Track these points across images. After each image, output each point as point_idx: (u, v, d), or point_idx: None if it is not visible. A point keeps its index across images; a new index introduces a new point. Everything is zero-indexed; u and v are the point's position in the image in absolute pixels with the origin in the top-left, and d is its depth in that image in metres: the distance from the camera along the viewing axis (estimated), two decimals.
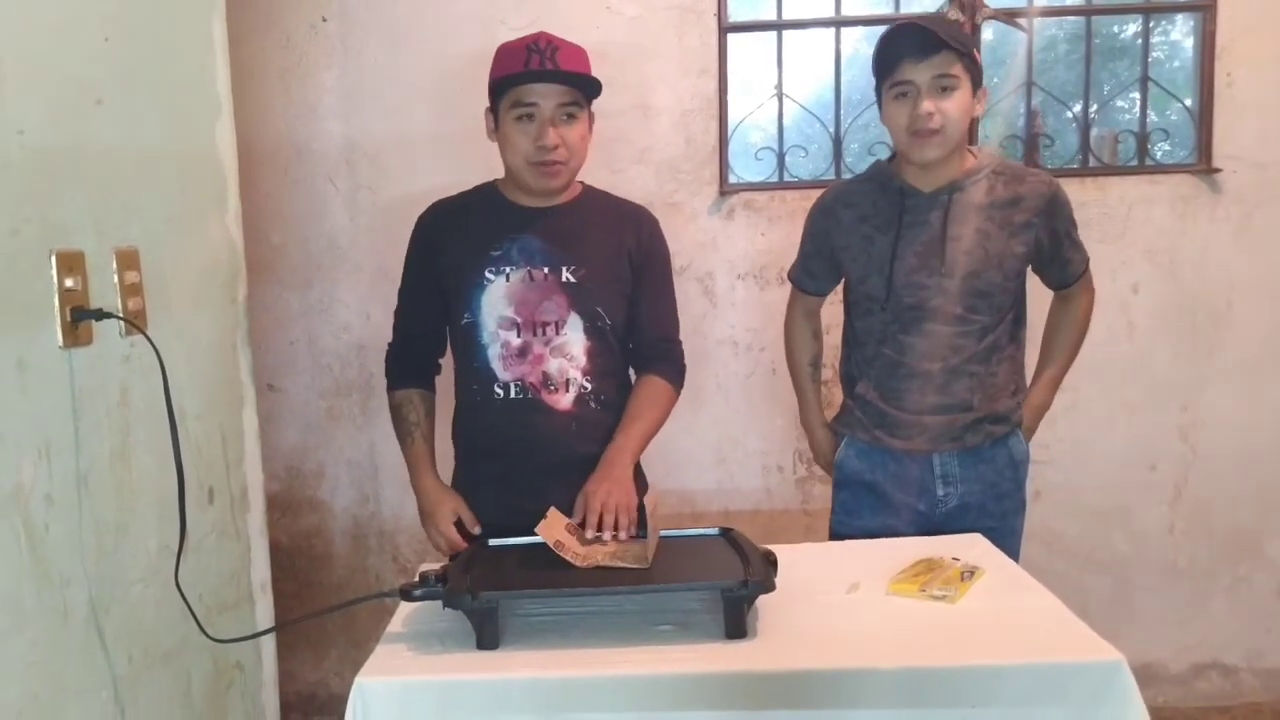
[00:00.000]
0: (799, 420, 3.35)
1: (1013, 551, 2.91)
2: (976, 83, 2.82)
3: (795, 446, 4.09)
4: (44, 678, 1.83)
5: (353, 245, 4.23)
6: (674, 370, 2.94)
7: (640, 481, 2.86)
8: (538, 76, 2.65)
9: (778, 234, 4.12)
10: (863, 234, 2.96)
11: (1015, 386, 3.02)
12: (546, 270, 2.77)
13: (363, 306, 4.22)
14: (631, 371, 2.96)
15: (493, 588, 2.17)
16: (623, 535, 2.52)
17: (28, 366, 1.80)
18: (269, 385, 4.28)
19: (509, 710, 2.02)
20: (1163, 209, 4.17)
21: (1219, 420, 4.29)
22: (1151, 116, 4.25)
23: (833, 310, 3.23)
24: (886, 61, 2.82)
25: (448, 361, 2.98)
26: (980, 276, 2.86)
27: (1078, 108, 4.27)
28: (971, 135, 4.06)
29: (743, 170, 4.29)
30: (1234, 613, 4.40)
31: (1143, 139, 4.23)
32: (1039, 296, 3.12)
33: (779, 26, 4.20)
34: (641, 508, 2.62)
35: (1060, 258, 3.01)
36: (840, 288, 3.18)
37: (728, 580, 2.15)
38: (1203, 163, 4.18)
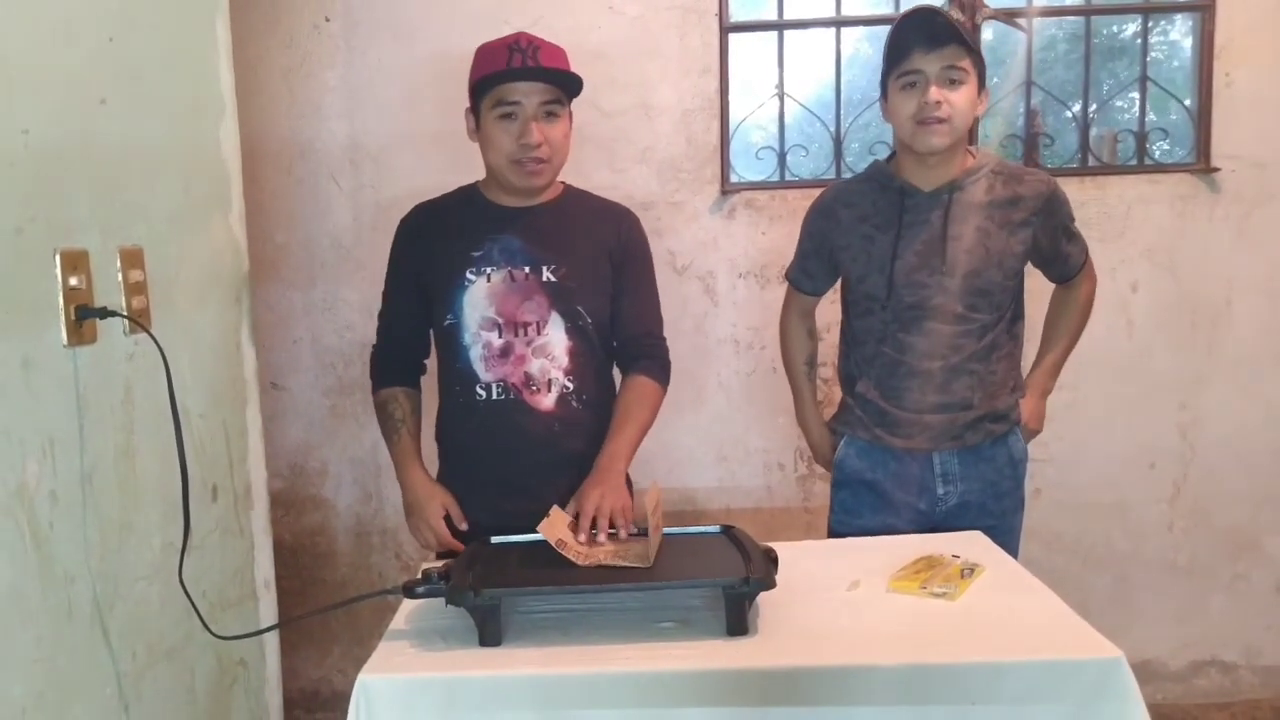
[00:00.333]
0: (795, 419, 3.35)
1: (1012, 549, 2.91)
2: (981, 81, 2.82)
3: (796, 445, 4.09)
4: (48, 675, 1.83)
5: (356, 244, 4.23)
6: (660, 368, 2.93)
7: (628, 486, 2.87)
8: (521, 75, 2.65)
9: (779, 233, 4.12)
10: (863, 233, 2.95)
11: (1014, 383, 3.02)
12: (527, 270, 2.77)
13: (366, 305, 4.21)
14: (616, 370, 2.96)
15: (495, 585, 2.16)
16: (622, 534, 2.52)
17: (32, 365, 1.80)
18: (272, 383, 4.28)
19: (512, 707, 2.02)
20: (1162, 208, 4.17)
21: (1218, 418, 4.29)
22: (1150, 116, 4.25)
23: (832, 309, 3.23)
24: (897, 51, 2.81)
25: (432, 363, 2.98)
26: (981, 275, 2.86)
27: (1077, 107, 4.27)
28: (971, 135, 4.06)
29: (744, 169, 4.29)
30: (1233, 610, 4.40)
31: (1142, 138, 4.23)
32: (1036, 294, 3.12)
33: (780, 26, 4.20)
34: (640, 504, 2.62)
35: (1060, 254, 3.01)
36: (836, 287, 3.17)
37: (729, 577, 2.15)
38: (1201, 162, 4.18)
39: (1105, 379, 4.22)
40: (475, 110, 2.75)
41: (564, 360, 2.79)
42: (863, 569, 2.47)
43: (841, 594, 2.36)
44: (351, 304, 4.27)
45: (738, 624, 2.12)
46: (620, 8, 4.10)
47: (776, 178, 4.27)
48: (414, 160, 4.13)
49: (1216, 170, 4.14)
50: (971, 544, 2.68)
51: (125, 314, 2.04)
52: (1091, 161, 4.26)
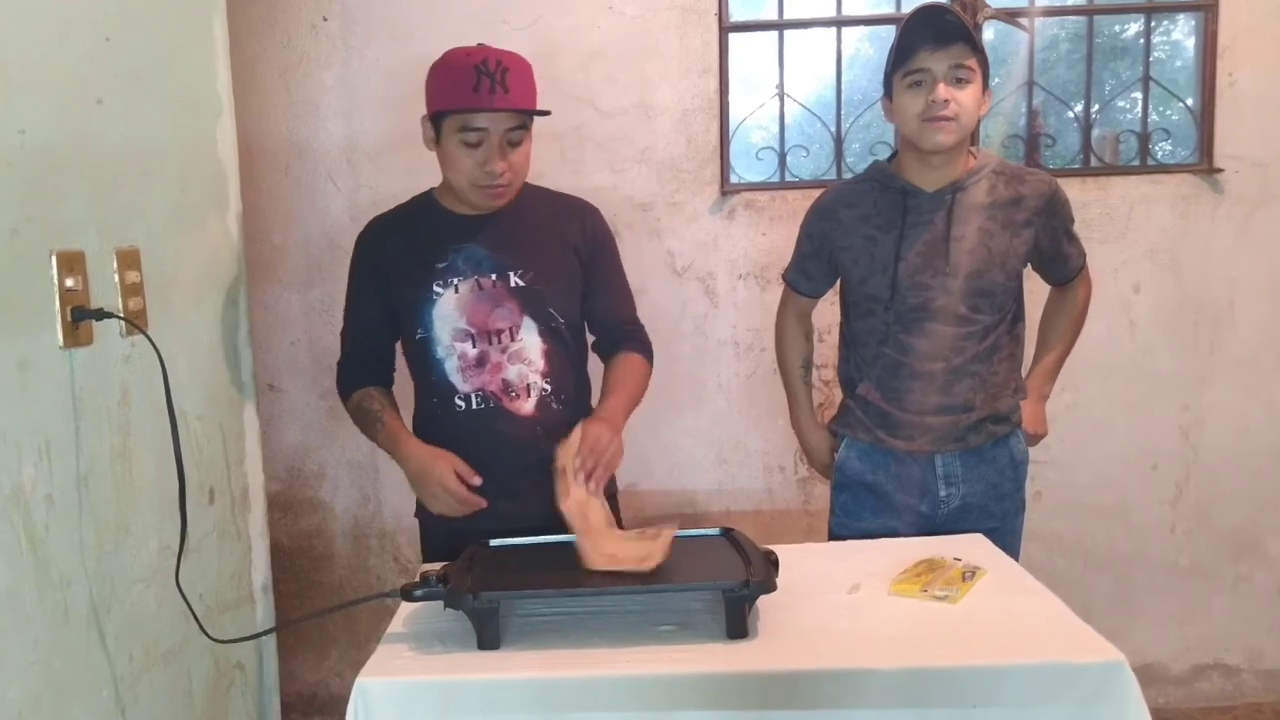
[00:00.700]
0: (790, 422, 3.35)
1: (1013, 552, 2.91)
2: (985, 80, 2.82)
3: (797, 447, 4.07)
4: (45, 678, 1.83)
5: (353, 245, 4.22)
6: (644, 348, 2.96)
7: (610, 484, 2.88)
8: (490, 107, 2.61)
9: (779, 234, 4.12)
10: (865, 234, 2.95)
11: (1015, 385, 3.02)
12: (494, 277, 2.76)
13: None
14: (594, 359, 2.98)
15: (494, 588, 2.16)
16: (593, 486, 2.53)
17: (28, 366, 1.80)
18: (270, 385, 4.28)
19: (510, 710, 2.02)
20: (1164, 209, 4.17)
21: (1220, 419, 4.29)
22: (1153, 116, 4.25)
23: (832, 311, 3.23)
24: (904, 49, 2.81)
25: (404, 377, 2.97)
26: (983, 276, 2.86)
27: (1079, 107, 4.27)
28: (973, 136, 4.06)
29: (744, 170, 4.29)
30: (1235, 613, 4.40)
31: (1144, 139, 4.23)
32: (1036, 294, 3.12)
33: (780, 26, 4.20)
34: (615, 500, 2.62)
35: (1060, 255, 3.02)
36: (835, 289, 3.17)
37: (729, 580, 2.15)
38: (1204, 162, 4.18)
39: (1107, 380, 4.22)
40: (435, 123, 2.72)
41: (540, 364, 2.80)
42: (864, 572, 2.48)
43: (842, 597, 2.36)
44: None
45: (738, 627, 2.12)
46: (619, 7, 4.10)
47: (777, 178, 4.27)
48: (412, 161, 4.08)
49: (1219, 171, 4.14)
50: (973, 546, 2.68)
51: (122, 315, 2.04)
52: (1093, 162, 4.26)
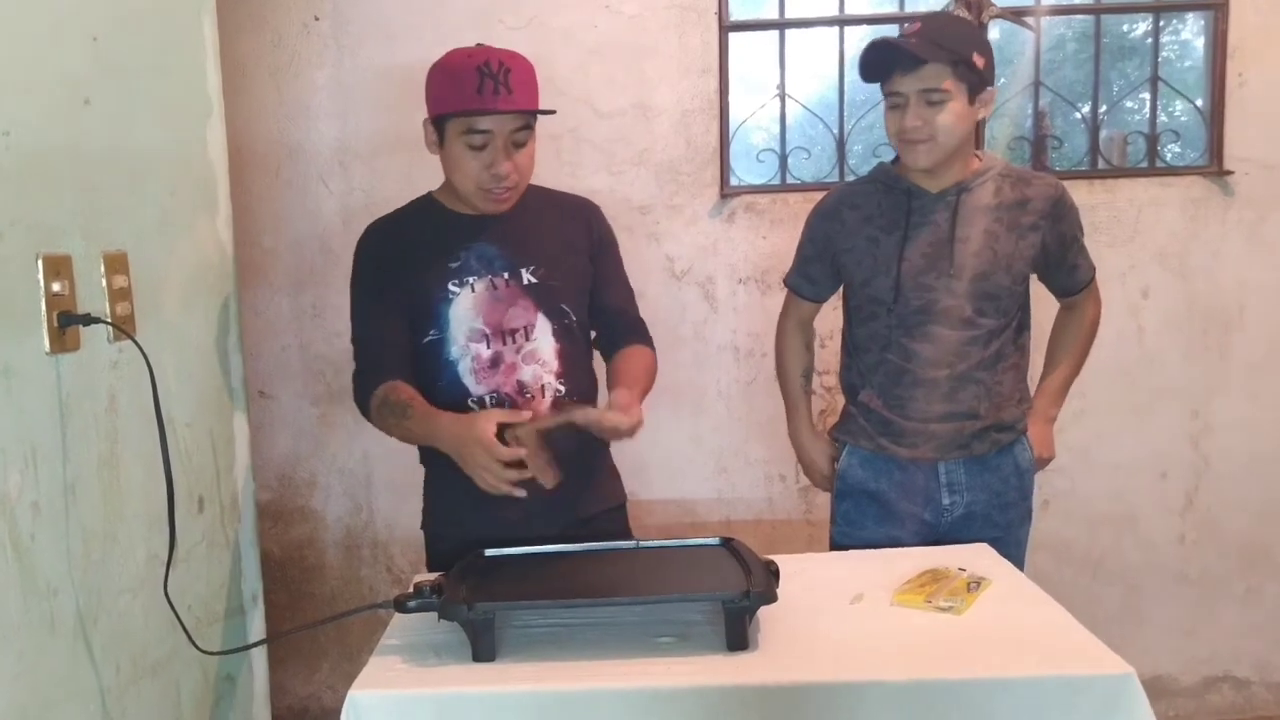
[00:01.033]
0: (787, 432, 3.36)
1: (1018, 562, 2.91)
2: (978, 87, 2.81)
3: None
4: (30, 689, 1.83)
5: (346, 249, 4.15)
6: (650, 342, 2.98)
7: (617, 485, 2.93)
8: (495, 110, 2.61)
9: (780, 237, 4.12)
10: (868, 235, 2.96)
11: (1020, 396, 3.02)
12: (506, 275, 2.75)
13: None
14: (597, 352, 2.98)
15: (489, 598, 2.16)
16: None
17: (14, 372, 1.80)
18: (260, 392, 4.28)
19: None
20: (1173, 212, 4.18)
21: (1231, 427, 4.29)
22: (1162, 117, 4.26)
23: (834, 317, 3.23)
24: (876, 71, 2.85)
25: None
26: (988, 278, 2.86)
27: (1086, 108, 4.28)
28: (978, 138, 4.07)
29: (744, 172, 4.30)
30: (1246, 624, 4.40)
31: (1153, 140, 4.24)
32: (1043, 307, 3.13)
33: (781, 25, 4.20)
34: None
35: (1066, 263, 3.02)
36: (838, 296, 3.18)
37: (729, 591, 2.15)
38: (1214, 164, 4.18)
39: (1115, 386, 4.22)
40: (438, 125, 2.71)
41: (554, 364, 2.79)
42: (866, 582, 2.48)
43: (844, 608, 2.36)
44: (341, 310, 4.20)
45: (738, 639, 2.12)
46: (617, 6, 4.11)
47: (778, 181, 4.27)
48: (405, 163, 4.12)
49: (1229, 173, 4.14)
50: (978, 556, 2.68)
51: (109, 321, 2.05)
52: (1101, 164, 4.26)
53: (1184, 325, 4.24)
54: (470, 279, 2.74)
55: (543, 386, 2.77)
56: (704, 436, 4.31)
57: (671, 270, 4.21)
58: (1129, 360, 4.23)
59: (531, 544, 2.55)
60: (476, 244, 2.76)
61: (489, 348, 2.74)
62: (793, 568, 2.38)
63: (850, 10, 4.23)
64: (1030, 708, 2.00)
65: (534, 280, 2.76)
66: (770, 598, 2.16)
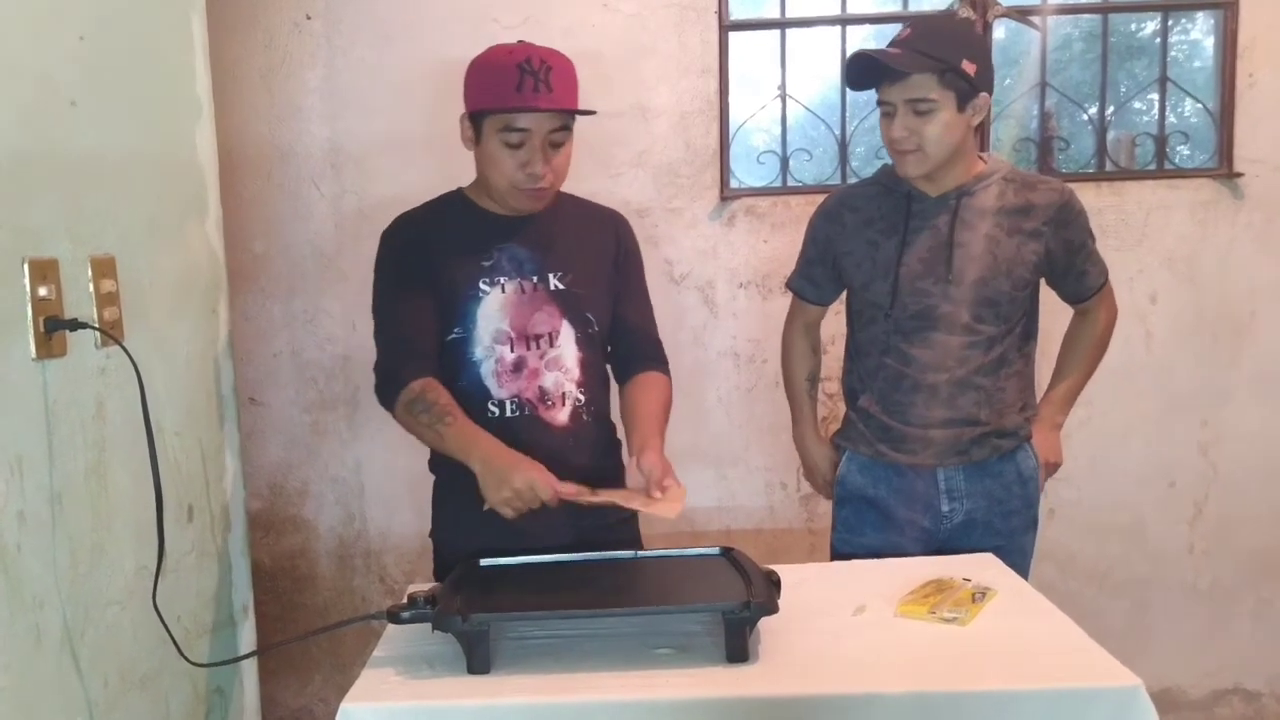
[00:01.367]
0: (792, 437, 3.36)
1: (1022, 571, 2.91)
2: (969, 94, 2.81)
3: (799, 463, 4.10)
4: (16, 704, 1.83)
5: (338, 253, 4.23)
6: (667, 367, 2.96)
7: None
8: (535, 108, 2.61)
9: (781, 241, 4.12)
10: (867, 239, 2.97)
11: (1024, 403, 3.03)
12: (535, 279, 2.75)
13: (348, 317, 4.22)
14: (610, 371, 2.97)
15: (484, 609, 2.16)
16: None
17: None
18: (251, 399, 4.28)
19: None
20: (1182, 215, 4.18)
21: (1241, 435, 4.29)
22: (1170, 118, 4.26)
23: (837, 321, 3.23)
24: (863, 80, 2.88)
25: None
26: (988, 284, 2.87)
27: (1093, 109, 4.28)
28: (983, 140, 4.07)
29: (744, 175, 4.30)
30: (1256, 636, 4.40)
31: (1161, 142, 4.24)
32: (1055, 317, 3.13)
33: (782, 24, 4.21)
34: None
35: (1074, 270, 3.02)
36: (842, 300, 3.18)
37: (729, 601, 2.15)
38: (1224, 166, 4.19)
39: (1123, 394, 4.22)
40: (474, 122, 2.70)
41: (576, 372, 2.79)
42: (869, 593, 2.48)
43: (847, 619, 2.36)
44: (333, 315, 4.27)
45: (738, 650, 2.12)
46: (615, 5, 4.11)
47: (779, 183, 4.28)
48: (399, 165, 4.12)
49: (1239, 175, 4.15)
50: (983, 566, 2.68)
51: (97, 326, 2.04)
52: (1108, 166, 4.27)
53: (1193, 331, 4.24)
54: (501, 279, 2.74)
55: (563, 394, 2.77)
56: (703, 444, 4.31)
57: (670, 274, 4.21)
58: (1137, 367, 4.23)
59: (532, 553, 2.55)
60: (509, 245, 2.76)
61: (513, 351, 2.73)
62: (794, 578, 2.38)
63: (852, 9, 4.23)
64: None
65: (561, 286, 2.76)
66: (771, 608, 2.16)
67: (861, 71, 2.84)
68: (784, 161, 4.26)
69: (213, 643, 2.55)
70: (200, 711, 2.50)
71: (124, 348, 2.08)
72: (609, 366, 2.96)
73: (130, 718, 2.19)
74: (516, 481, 2.46)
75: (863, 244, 2.98)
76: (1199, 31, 4.40)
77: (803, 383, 3.27)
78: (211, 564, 2.58)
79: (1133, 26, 4.48)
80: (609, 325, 2.88)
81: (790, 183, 4.27)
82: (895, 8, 4.31)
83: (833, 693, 2.02)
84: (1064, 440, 3.21)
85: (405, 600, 2.25)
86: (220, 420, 2.64)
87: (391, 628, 2.32)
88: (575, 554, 2.56)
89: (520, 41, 2.67)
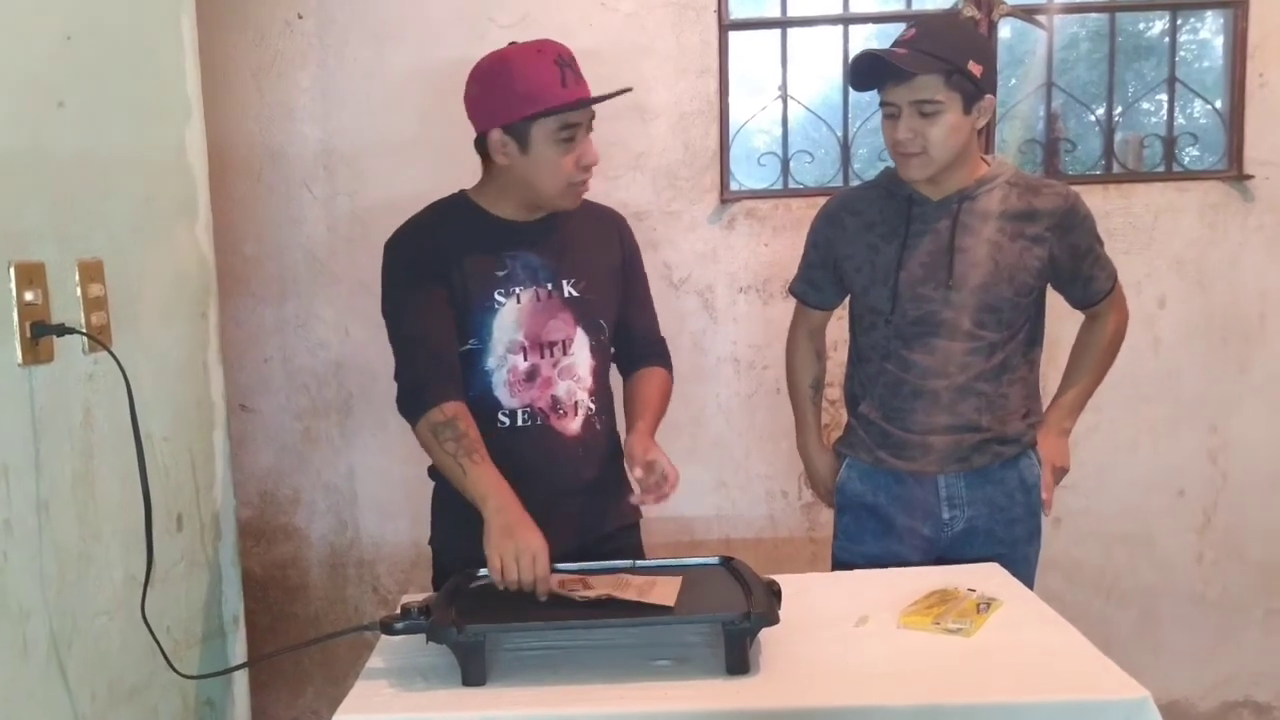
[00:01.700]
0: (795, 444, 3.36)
1: (1027, 581, 2.90)
2: (975, 96, 2.81)
3: (800, 471, 4.09)
4: (2, 716, 1.83)
5: (331, 256, 4.23)
6: (670, 364, 2.98)
7: (633, 513, 2.91)
8: (590, 101, 2.62)
9: (782, 245, 4.12)
10: (868, 243, 2.97)
11: (1027, 410, 3.02)
12: (550, 287, 2.74)
13: (341, 322, 4.22)
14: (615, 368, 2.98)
15: (480, 620, 2.17)
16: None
17: None
18: (241, 405, 4.27)
19: None
20: (1191, 218, 4.18)
21: (1251, 442, 4.29)
22: (1179, 119, 4.26)
23: (838, 327, 3.23)
24: (868, 80, 2.87)
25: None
26: (989, 290, 2.87)
27: (1101, 110, 4.28)
28: (987, 142, 4.07)
29: (745, 177, 4.30)
30: (1267, 647, 4.39)
31: (1170, 143, 4.24)
32: (1065, 321, 3.13)
33: (783, 24, 4.21)
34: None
35: (1081, 275, 3.01)
36: (844, 305, 3.18)
37: (729, 612, 2.16)
38: (1234, 168, 4.19)
39: (1130, 400, 4.22)
40: (516, 132, 2.62)
41: (588, 380, 2.79)
42: (872, 603, 2.48)
43: (849, 630, 2.36)
44: (326, 320, 4.26)
45: (738, 662, 2.12)
46: (613, 4, 4.11)
47: (779, 185, 4.28)
48: (393, 167, 4.12)
49: (1249, 177, 4.15)
50: (988, 576, 2.68)
51: (84, 331, 2.05)
52: (1116, 168, 4.27)
53: (1202, 336, 4.24)
54: (517, 289, 2.71)
55: (576, 403, 2.78)
56: (703, 452, 4.30)
57: (669, 279, 4.20)
58: (1144, 372, 4.22)
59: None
60: (521, 252, 2.74)
61: (526, 360, 2.72)
62: (795, 588, 2.39)
63: (855, 8, 4.23)
64: None
65: (575, 294, 2.76)
66: (772, 619, 2.16)
67: (866, 71, 2.84)
68: (785, 163, 4.26)
69: (203, 654, 2.55)
70: None
71: (112, 353, 2.09)
72: (613, 365, 2.97)
73: None
74: (524, 542, 2.39)
75: (863, 248, 2.98)
76: (1208, 31, 4.40)
77: (806, 389, 3.27)
78: (201, 573, 2.57)
79: (1141, 26, 4.48)
80: (614, 330, 2.88)
81: (791, 185, 4.26)
82: (898, 7, 4.32)
83: (835, 705, 2.02)
84: (1070, 447, 3.21)
85: (399, 611, 2.25)
86: (210, 427, 2.64)
87: (385, 639, 2.32)
88: (573, 563, 2.56)
89: (512, 43, 2.65)
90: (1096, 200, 3.24)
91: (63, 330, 1.96)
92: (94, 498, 2.11)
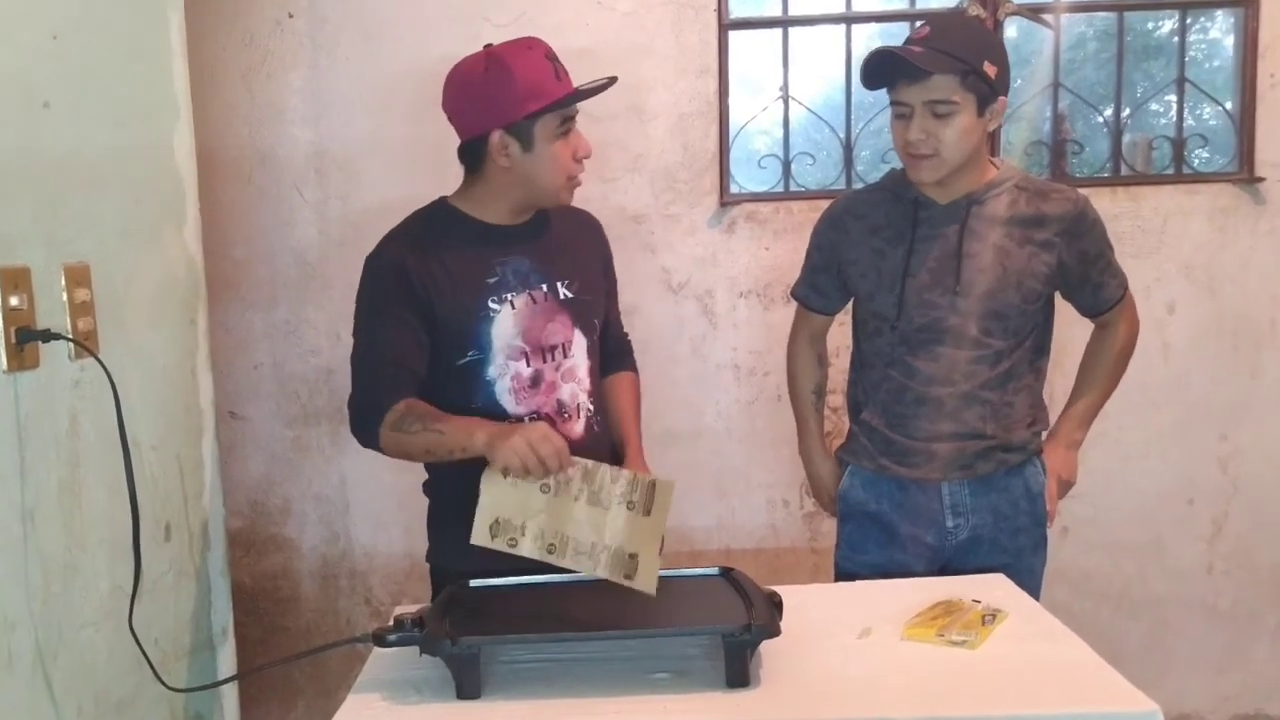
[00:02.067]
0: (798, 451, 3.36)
1: (1033, 592, 2.89)
2: (989, 97, 2.80)
3: (802, 479, 4.08)
4: None
5: (322, 261, 4.23)
6: (635, 363, 3.09)
7: None
8: (588, 94, 2.63)
9: (783, 248, 4.12)
10: (873, 247, 2.97)
11: (1033, 418, 3.02)
12: (544, 289, 2.74)
13: (332, 328, 4.21)
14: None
15: (474, 632, 2.16)
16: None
17: None
18: (230, 413, 4.27)
19: None
20: (1201, 221, 4.18)
21: (1262, 450, 4.29)
22: (1189, 121, 4.27)
23: (842, 332, 3.23)
24: (880, 78, 2.85)
25: None
26: (997, 296, 2.86)
27: (1109, 111, 4.28)
28: (994, 144, 4.07)
29: (745, 179, 4.30)
30: (1278, 659, 4.39)
31: (1179, 145, 4.24)
32: (1074, 329, 3.13)
33: (784, 23, 4.21)
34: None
35: (1090, 283, 3.00)
36: (847, 311, 3.18)
37: (729, 624, 2.15)
38: (1244, 171, 4.19)
39: (1139, 407, 4.21)
40: (517, 131, 2.62)
41: (587, 381, 2.81)
42: (874, 615, 2.48)
43: (851, 642, 2.36)
44: (317, 326, 4.26)
45: (738, 675, 2.12)
46: (611, 3, 4.11)
47: (781, 188, 4.28)
48: (385, 169, 4.12)
49: (1260, 180, 4.15)
50: (993, 587, 2.68)
51: (70, 337, 2.05)
52: (1124, 170, 4.27)
53: (1212, 342, 4.25)
54: (509, 295, 2.71)
55: (578, 406, 2.79)
56: (702, 460, 4.30)
57: (668, 283, 4.21)
58: (1154, 379, 4.22)
59: (523, 574, 2.53)
60: (512, 258, 2.74)
61: (529, 366, 2.72)
62: (797, 599, 2.38)
63: (858, 7, 4.24)
64: None
65: (570, 295, 2.77)
66: (773, 631, 2.15)
67: (878, 70, 2.82)
68: (786, 165, 4.27)
69: (191, 666, 2.55)
70: None
71: (99, 359, 2.09)
72: None
73: None
74: (526, 431, 2.41)
75: (868, 252, 2.97)
76: (1218, 30, 4.40)
77: (809, 395, 3.27)
78: (190, 584, 2.57)
79: (1149, 25, 4.49)
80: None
81: (793, 187, 4.27)
82: (902, 6, 4.32)
83: (837, 718, 2.02)
84: (1079, 457, 3.21)
85: (391, 622, 2.25)
86: (199, 435, 2.64)
87: (377, 651, 2.31)
88: (568, 575, 2.55)
89: (489, 46, 2.65)
90: (1104, 203, 3.24)
91: (48, 336, 1.96)
92: (80, 506, 2.11)
